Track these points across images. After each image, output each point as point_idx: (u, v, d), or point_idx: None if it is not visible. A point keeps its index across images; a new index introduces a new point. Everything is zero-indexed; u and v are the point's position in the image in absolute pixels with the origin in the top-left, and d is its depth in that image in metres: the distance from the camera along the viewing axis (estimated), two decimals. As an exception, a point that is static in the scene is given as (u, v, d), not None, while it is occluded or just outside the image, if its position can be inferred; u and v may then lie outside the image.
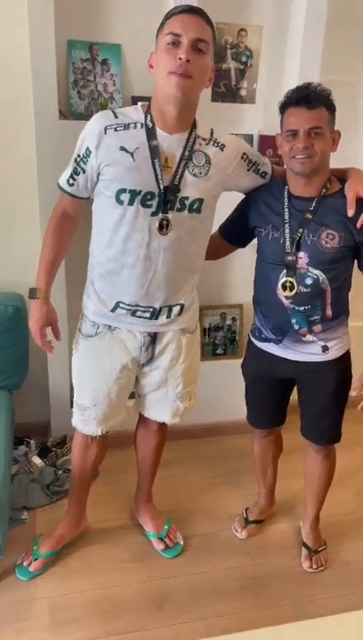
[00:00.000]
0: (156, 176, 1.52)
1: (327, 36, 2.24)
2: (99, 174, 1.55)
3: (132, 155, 1.51)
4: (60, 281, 2.21)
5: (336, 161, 1.68)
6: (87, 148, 1.54)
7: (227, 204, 1.78)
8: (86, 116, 1.79)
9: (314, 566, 2.00)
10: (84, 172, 1.57)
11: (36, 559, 1.91)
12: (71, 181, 1.60)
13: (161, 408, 1.86)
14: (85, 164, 1.55)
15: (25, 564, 1.90)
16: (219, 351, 2.64)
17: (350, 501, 2.33)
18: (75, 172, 1.58)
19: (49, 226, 1.70)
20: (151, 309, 1.65)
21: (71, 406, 1.85)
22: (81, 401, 1.79)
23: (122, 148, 1.51)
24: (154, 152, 1.52)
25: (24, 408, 2.41)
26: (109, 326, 1.69)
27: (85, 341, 1.74)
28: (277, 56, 2.34)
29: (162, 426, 1.95)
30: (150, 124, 1.53)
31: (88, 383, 1.77)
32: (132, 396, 1.87)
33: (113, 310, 1.67)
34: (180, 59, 1.41)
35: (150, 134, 1.52)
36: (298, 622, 1.20)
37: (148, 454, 2.02)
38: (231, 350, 2.65)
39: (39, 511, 2.16)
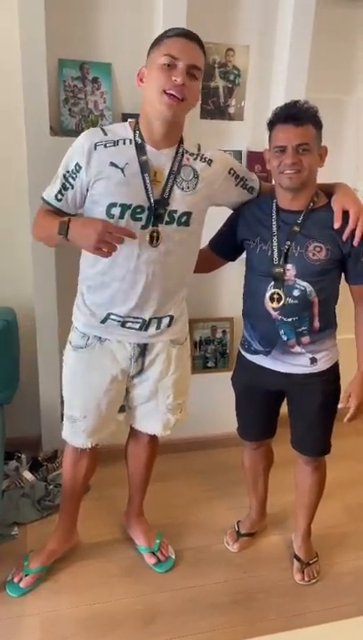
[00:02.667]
0: (146, 190, 1.54)
1: (312, 55, 2.30)
2: (88, 189, 1.57)
3: (122, 170, 1.54)
4: (50, 293, 2.22)
5: (324, 176, 1.71)
6: (77, 164, 1.56)
7: (217, 218, 1.81)
8: (77, 133, 1.80)
9: (306, 579, 1.99)
10: (72, 187, 1.59)
11: (26, 575, 1.89)
12: (60, 197, 1.61)
13: (151, 420, 1.86)
14: (75, 179, 1.57)
15: (15, 580, 1.89)
16: (209, 364, 2.65)
17: (342, 514, 2.33)
18: (63, 188, 1.60)
19: (37, 216, 1.66)
20: (141, 321, 1.67)
21: (62, 420, 1.85)
22: (71, 413, 1.79)
23: (112, 164, 1.54)
24: (144, 167, 1.55)
25: (15, 422, 2.39)
26: (99, 338, 1.71)
27: (75, 353, 1.74)
28: (264, 75, 2.40)
29: (153, 439, 1.95)
30: (139, 140, 1.56)
31: (78, 395, 1.77)
32: (122, 409, 1.88)
33: (103, 322, 1.68)
34: (175, 81, 1.45)
35: (140, 150, 1.55)
36: (295, 630, 1.18)
37: (139, 468, 2.01)
38: (222, 363, 2.66)
39: (30, 526, 2.15)
